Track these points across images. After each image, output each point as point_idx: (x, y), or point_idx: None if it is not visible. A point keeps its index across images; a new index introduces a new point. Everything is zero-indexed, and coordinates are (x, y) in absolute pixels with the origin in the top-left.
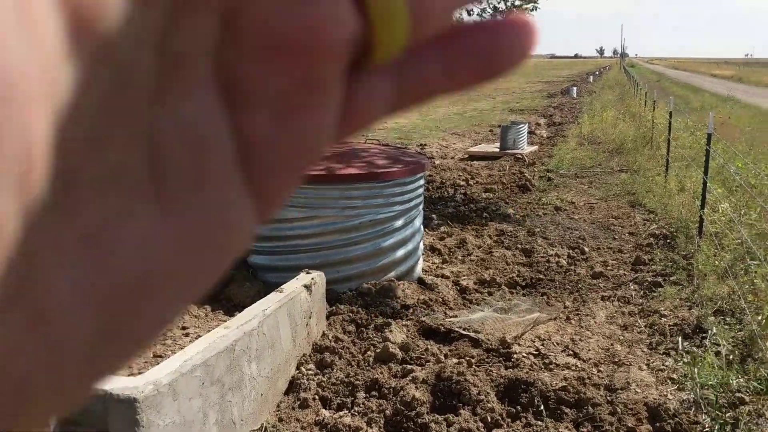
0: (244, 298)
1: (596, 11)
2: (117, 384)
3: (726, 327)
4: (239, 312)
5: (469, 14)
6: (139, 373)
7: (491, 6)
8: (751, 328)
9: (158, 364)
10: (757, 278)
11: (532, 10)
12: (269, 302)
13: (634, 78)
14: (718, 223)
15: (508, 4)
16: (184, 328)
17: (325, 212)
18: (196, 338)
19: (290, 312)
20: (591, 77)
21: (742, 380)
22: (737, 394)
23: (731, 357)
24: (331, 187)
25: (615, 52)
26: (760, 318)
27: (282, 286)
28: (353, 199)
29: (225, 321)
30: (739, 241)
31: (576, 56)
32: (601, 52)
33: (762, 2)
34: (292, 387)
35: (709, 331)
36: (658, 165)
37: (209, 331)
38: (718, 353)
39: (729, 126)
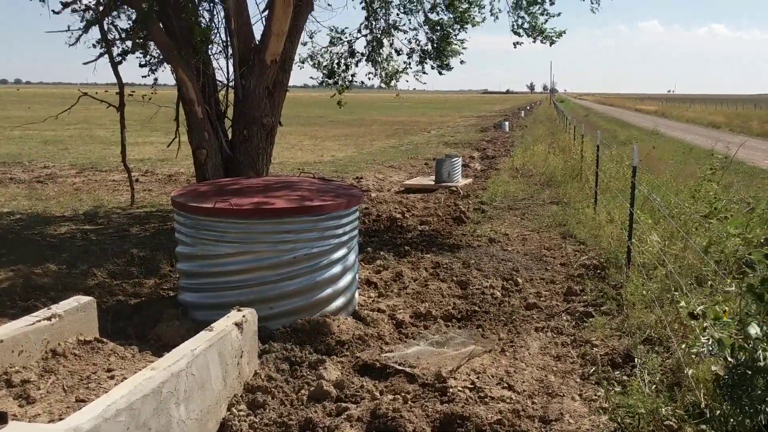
0: (173, 338)
1: (527, 48)
2: (35, 431)
3: (654, 355)
4: (168, 352)
5: (397, 53)
6: (60, 419)
7: (420, 42)
8: (678, 356)
9: (80, 408)
10: (681, 308)
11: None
12: (198, 341)
13: (564, 113)
14: (646, 254)
15: (438, 35)
16: (109, 370)
17: (258, 247)
18: (122, 380)
19: (220, 351)
20: (522, 112)
21: (670, 408)
22: (666, 422)
23: (659, 385)
24: (264, 222)
25: (545, 87)
26: (684, 346)
27: (212, 325)
28: (287, 233)
29: (153, 362)
30: (665, 272)
31: (508, 92)
32: (531, 87)
33: (684, 41)
34: (223, 429)
35: (639, 360)
36: (587, 197)
37: (136, 372)
38: (648, 381)
39: (654, 159)
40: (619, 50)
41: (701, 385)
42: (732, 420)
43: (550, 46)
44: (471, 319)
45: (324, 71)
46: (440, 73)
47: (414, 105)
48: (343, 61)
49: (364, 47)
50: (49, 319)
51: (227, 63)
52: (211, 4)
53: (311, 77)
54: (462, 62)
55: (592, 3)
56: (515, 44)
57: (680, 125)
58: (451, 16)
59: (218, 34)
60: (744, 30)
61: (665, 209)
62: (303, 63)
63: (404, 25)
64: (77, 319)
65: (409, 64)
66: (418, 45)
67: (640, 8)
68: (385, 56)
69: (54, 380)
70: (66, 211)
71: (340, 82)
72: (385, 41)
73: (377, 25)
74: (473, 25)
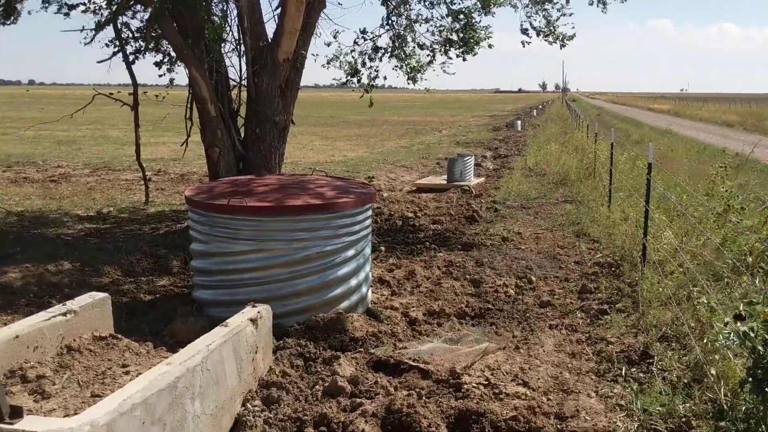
0: (188, 334)
1: (539, 47)
2: (51, 425)
3: (671, 353)
4: (183, 348)
5: (420, 47)
6: (75, 413)
7: (444, 32)
8: (696, 353)
9: (96, 403)
10: (699, 305)
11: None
12: (213, 337)
13: (576, 112)
14: (661, 251)
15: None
16: (124, 365)
17: (272, 245)
18: (137, 376)
19: (235, 347)
20: (535, 111)
21: (688, 405)
22: (684, 419)
23: (677, 383)
24: (278, 219)
25: (557, 86)
26: (705, 341)
27: (227, 321)
28: (300, 230)
29: (168, 358)
30: (682, 269)
31: (520, 91)
32: (543, 86)
33: (695, 39)
34: (238, 425)
35: (656, 357)
36: (601, 195)
37: (151, 368)
38: (665, 379)
39: (668, 158)
40: (630, 49)
41: (722, 382)
42: (759, 416)
43: (561, 48)
44: (485, 316)
45: (348, 71)
46: (464, 59)
47: (425, 105)
48: (366, 59)
49: (387, 43)
50: (64, 314)
51: (240, 61)
52: (224, 3)
53: (334, 78)
54: (491, 46)
55: (599, 5)
56: (523, 43)
57: (694, 124)
58: (474, 2)
59: (231, 33)
60: (755, 28)
61: (680, 206)
62: (328, 64)
63: (426, 19)
64: (92, 315)
65: (434, 56)
66: (441, 35)
67: (651, 6)
68: (408, 52)
69: (69, 376)
70: (80, 210)
71: (365, 81)
72: (408, 36)
73: (399, 21)
74: (498, 5)
